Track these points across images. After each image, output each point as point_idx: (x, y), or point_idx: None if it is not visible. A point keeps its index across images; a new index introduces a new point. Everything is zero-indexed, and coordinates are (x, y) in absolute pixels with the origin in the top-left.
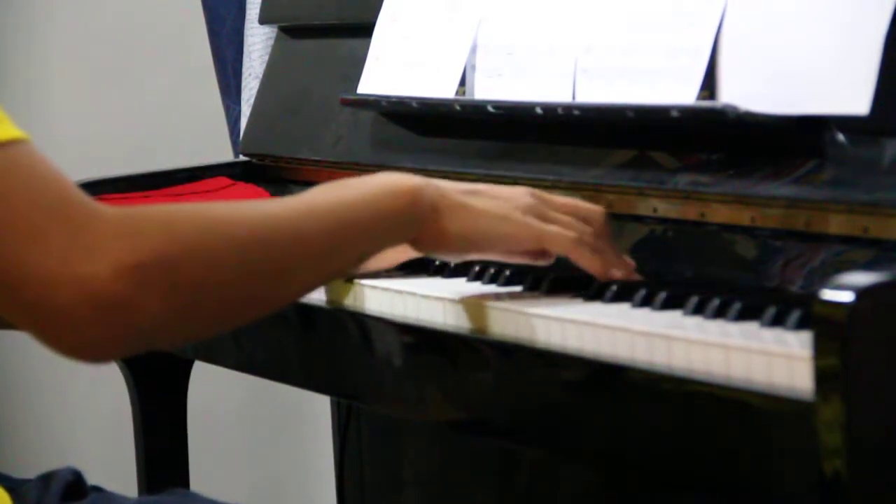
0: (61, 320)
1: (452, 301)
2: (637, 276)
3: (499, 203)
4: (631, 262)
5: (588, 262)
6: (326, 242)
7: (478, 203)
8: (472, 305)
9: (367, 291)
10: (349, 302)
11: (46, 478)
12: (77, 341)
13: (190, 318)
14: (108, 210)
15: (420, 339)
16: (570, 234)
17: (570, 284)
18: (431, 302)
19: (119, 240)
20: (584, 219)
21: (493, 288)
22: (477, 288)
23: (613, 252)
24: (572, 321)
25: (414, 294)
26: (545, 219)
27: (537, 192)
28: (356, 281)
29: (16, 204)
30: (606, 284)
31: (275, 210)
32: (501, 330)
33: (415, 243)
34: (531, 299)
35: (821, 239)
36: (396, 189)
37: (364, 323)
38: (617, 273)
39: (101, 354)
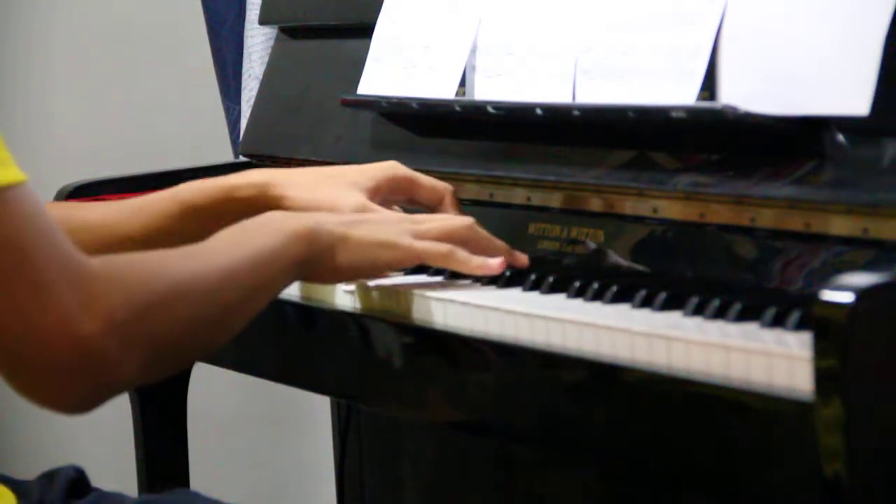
0: (53, 374)
1: (453, 302)
2: (524, 263)
3: (376, 229)
4: (518, 253)
5: (463, 267)
6: (254, 288)
7: (361, 233)
8: (471, 305)
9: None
10: (351, 303)
11: (50, 475)
12: (61, 395)
13: (157, 370)
14: (95, 263)
15: (420, 339)
16: (442, 248)
17: (567, 285)
18: (433, 302)
19: (108, 297)
20: (451, 230)
21: (493, 288)
22: (478, 287)
23: (493, 247)
24: (573, 322)
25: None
26: (419, 236)
27: (403, 214)
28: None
29: (22, 252)
30: (607, 285)
31: (215, 259)
32: (501, 330)
33: (307, 278)
34: (531, 300)
35: (821, 239)
36: (297, 231)
37: (364, 323)
38: (493, 264)
39: (81, 408)
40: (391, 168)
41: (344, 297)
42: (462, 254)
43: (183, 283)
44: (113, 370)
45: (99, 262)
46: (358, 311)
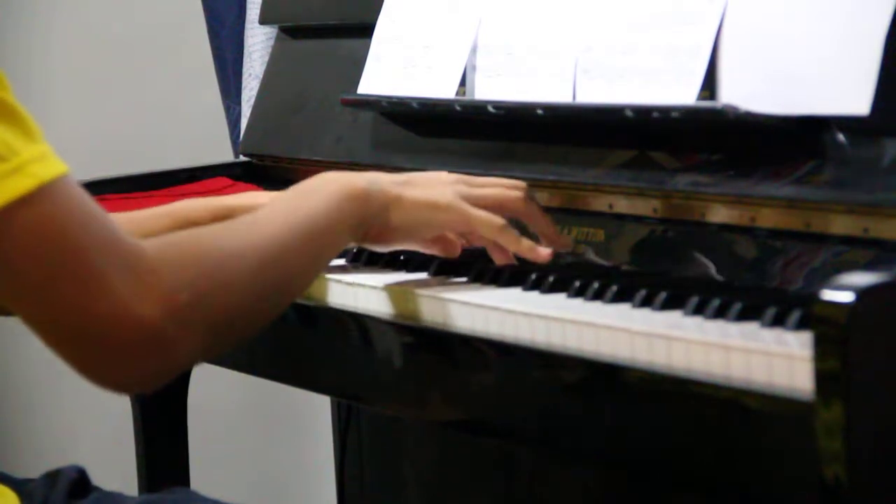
0: (117, 358)
1: (453, 302)
2: (569, 247)
3: (432, 191)
4: (564, 237)
5: (514, 245)
6: (310, 254)
7: (415, 193)
8: (471, 305)
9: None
10: (350, 302)
11: (52, 476)
12: (125, 377)
13: (218, 347)
14: (147, 246)
15: (420, 338)
16: (498, 220)
17: (567, 285)
18: (433, 302)
19: (164, 280)
20: (508, 201)
21: (493, 287)
22: (478, 288)
23: (543, 223)
24: (573, 321)
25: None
26: (474, 202)
27: (460, 175)
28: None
29: (75, 243)
30: (606, 285)
31: (268, 229)
32: (501, 330)
33: (363, 240)
34: (531, 300)
35: (821, 239)
36: (352, 192)
37: (364, 323)
38: (542, 253)
39: (143, 387)
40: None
41: (344, 295)
42: (514, 232)
43: (238, 257)
44: (174, 351)
45: (152, 245)
46: (358, 311)
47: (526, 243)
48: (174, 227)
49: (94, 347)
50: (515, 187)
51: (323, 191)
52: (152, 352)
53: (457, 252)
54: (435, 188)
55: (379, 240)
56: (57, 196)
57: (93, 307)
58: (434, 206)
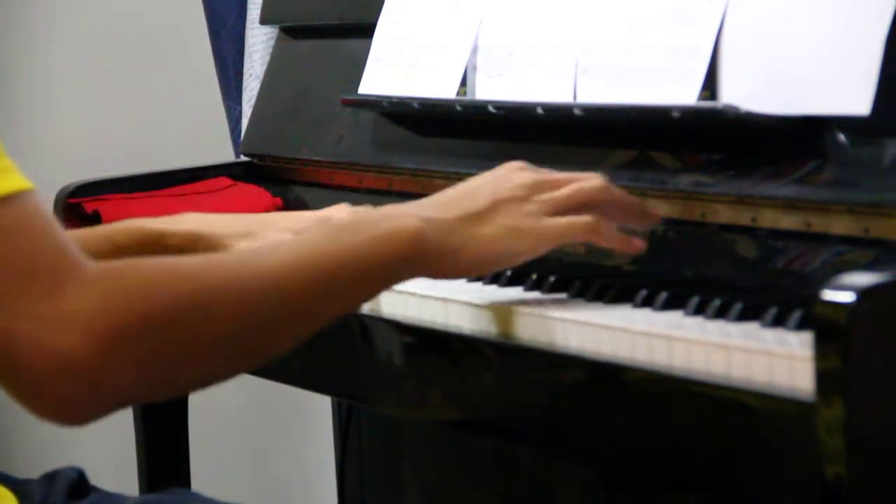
0: (32, 387)
1: (454, 302)
2: (658, 219)
3: (507, 220)
4: (653, 209)
5: (609, 242)
6: (319, 291)
7: (486, 230)
8: (472, 305)
9: None
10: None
11: (51, 477)
12: (49, 408)
13: (170, 383)
14: (88, 269)
15: (421, 339)
16: (585, 222)
17: (568, 285)
18: (432, 302)
19: (96, 303)
20: (588, 195)
21: (493, 288)
22: (478, 288)
23: (631, 204)
24: (573, 321)
25: (414, 294)
26: (552, 210)
27: (533, 179)
28: None
29: (7, 261)
30: (608, 286)
31: (267, 267)
32: (501, 330)
33: (432, 277)
34: (531, 300)
35: (821, 239)
36: (397, 232)
37: (364, 323)
38: (637, 244)
39: (74, 420)
40: (325, 217)
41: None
42: (606, 227)
43: (206, 292)
44: (101, 382)
45: (100, 267)
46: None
47: (619, 238)
48: (109, 252)
49: (8, 374)
50: (589, 177)
51: (364, 229)
52: (72, 382)
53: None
54: (511, 214)
55: (450, 277)
56: (12, 209)
57: (7, 327)
58: (515, 236)
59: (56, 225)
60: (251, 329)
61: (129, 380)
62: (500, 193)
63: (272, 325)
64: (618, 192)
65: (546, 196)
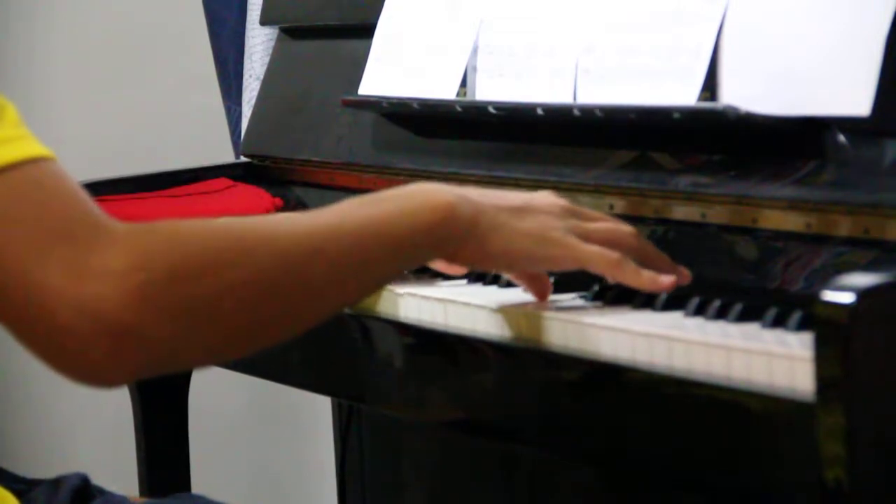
0: (63, 343)
1: (455, 303)
2: (688, 279)
3: (540, 222)
4: (682, 268)
5: (633, 279)
6: (355, 260)
7: (524, 224)
8: (472, 306)
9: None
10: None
11: (55, 483)
12: (80, 366)
13: (205, 341)
14: (118, 227)
15: (421, 339)
16: (612, 255)
17: (569, 287)
18: (432, 303)
19: (127, 258)
20: (619, 236)
21: (493, 289)
22: (478, 288)
23: (659, 259)
24: (574, 322)
25: (414, 295)
26: (585, 237)
27: (569, 205)
28: None
29: (20, 224)
30: (608, 287)
31: (300, 226)
32: (502, 331)
33: (453, 258)
34: (532, 301)
35: (822, 240)
36: (432, 204)
37: (364, 323)
38: (665, 281)
39: (107, 380)
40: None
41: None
42: (632, 265)
43: (248, 244)
44: (138, 337)
45: (127, 225)
46: (356, 311)
47: (647, 276)
48: None
49: (39, 328)
50: (623, 223)
51: (399, 198)
52: (107, 337)
53: (547, 293)
54: (544, 220)
55: (472, 261)
56: (16, 175)
57: (30, 283)
58: (543, 240)
59: (82, 189)
60: (278, 293)
61: (161, 335)
62: (536, 201)
63: (299, 291)
64: (649, 245)
65: (579, 222)
